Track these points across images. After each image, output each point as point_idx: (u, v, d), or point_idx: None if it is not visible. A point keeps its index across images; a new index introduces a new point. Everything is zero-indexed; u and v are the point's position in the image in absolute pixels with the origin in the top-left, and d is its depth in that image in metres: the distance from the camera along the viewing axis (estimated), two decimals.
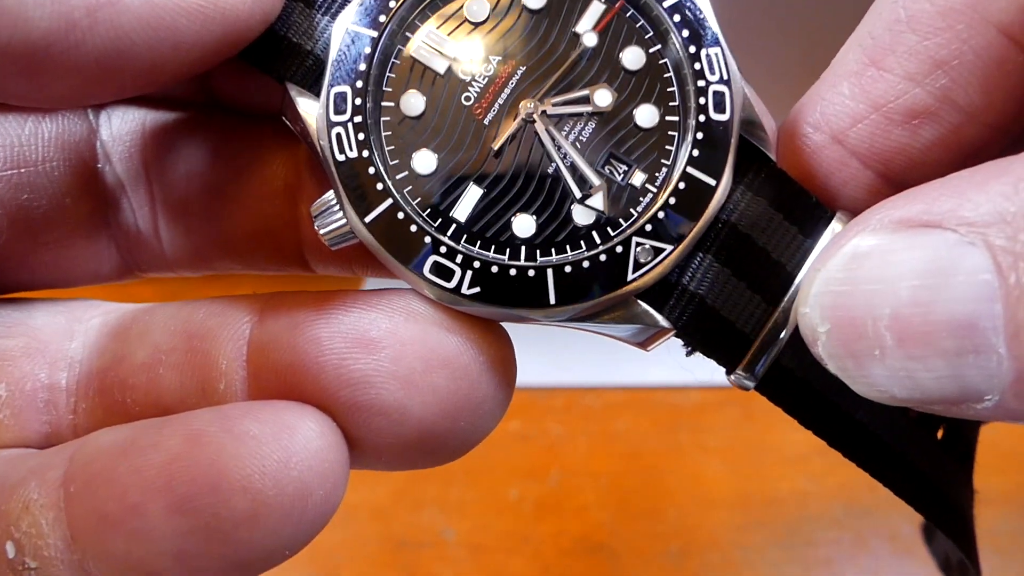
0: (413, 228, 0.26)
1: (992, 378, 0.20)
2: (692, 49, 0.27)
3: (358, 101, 0.26)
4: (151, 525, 0.23)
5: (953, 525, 0.29)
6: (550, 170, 0.27)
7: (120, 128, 0.30)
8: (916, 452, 0.28)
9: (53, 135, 0.29)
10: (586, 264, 0.26)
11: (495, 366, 0.26)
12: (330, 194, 0.26)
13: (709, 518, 0.61)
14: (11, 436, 0.28)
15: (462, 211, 0.26)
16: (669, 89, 0.27)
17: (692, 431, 0.64)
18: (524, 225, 0.26)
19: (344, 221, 0.26)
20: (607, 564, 0.60)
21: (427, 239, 0.26)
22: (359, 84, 0.26)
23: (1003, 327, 0.20)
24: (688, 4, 0.27)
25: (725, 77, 0.27)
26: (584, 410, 0.65)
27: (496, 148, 0.27)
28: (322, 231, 0.26)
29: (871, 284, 0.22)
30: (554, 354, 0.63)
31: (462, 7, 0.27)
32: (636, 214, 0.27)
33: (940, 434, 0.30)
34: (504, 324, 0.27)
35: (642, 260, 0.26)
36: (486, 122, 0.27)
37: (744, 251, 0.27)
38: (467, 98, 0.27)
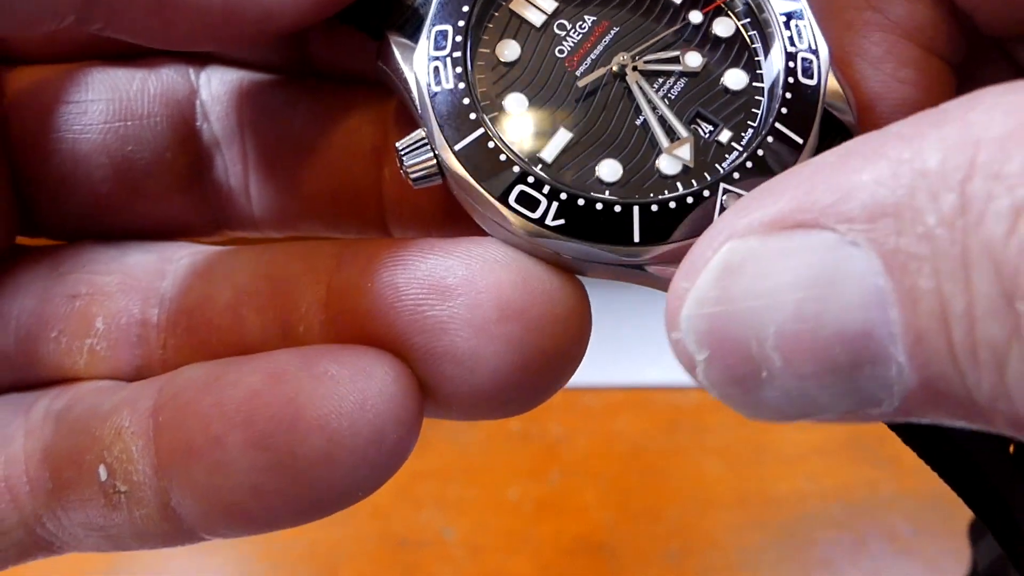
0: (502, 157, 0.26)
1: (892, 387, 0.19)
2: (782, 19, 0.28)
3: (458, 39, 0.27)
4: (231, 458, 0.24)
5: (1013, 540, 0.29)
6: (638, 121, 0.27)
7: (219, 88, 0.31)
8: (988, 462, 0.27)
9: (158, 92, 0.30)
10: (672, 204, 0.26)
11: (570, 319, 0.26)
12: (419, 131, 0.27)
13: (709, 518, 0.61)
14: (106, 367, 0.29)
15: (550, 152, 0.27)
16: (757, 58, 0.28)
17: (692, 431, 0.64)
18: (610, 169, 0.27)
19: (431, 156, 0.26)
20: (607, 564, 0.60)
21: (515, 168, 0.26)
22: (460, 24, 0.27)
23: (901, 334, 0.18)
24: None
25: (813, 47, 0.27)
26: (584, 410, 0.65)
27: (585, 96, 0.27)
28: (409, 166, 0.26)
29: (749, 300, 0.19)
30: None
31: None
32: (722, 170, 0.27)
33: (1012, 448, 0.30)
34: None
35: (729, 207, 0.26)
36: (578, 73, 0.28)
37: None
38: (560, 51, 0.28)
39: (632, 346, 0.65)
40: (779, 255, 0.19)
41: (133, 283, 0.29)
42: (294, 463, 0.24)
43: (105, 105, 0.30)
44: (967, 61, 0.30)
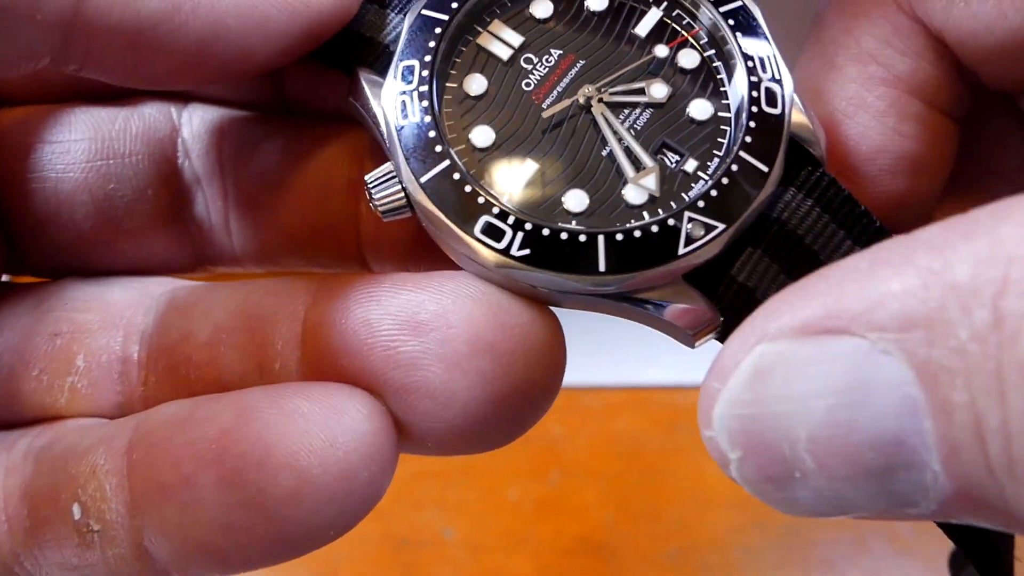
0: (467, 189, 0.26)
1: (927, 491, 0.19)
2: (745, 50, 0.28)
3: (424, 73, 0.27)
4: (202, 496, 0.24)
5: (990, 565, 0.29)
6: (604, 152, 0.28)
7: (200, 127, 0.31)
8: None
9: (140, 130, 0.31)
10: (637, 234, 0.26)
11: (544, 352, 0.26)
12: (387, 164, 0.27)
13: (709, 518, 0.61)
14: (88, 405, 0.29)
15: (516, 183, 0.27)
16: (722, 88, 0.28)
17: (692, 431, 0.64)
18: (577, 199, 0.27)
19: (399, 189, 0.27)
20: (607, 564, 0.60)
21: (480, 200, 0.26)
22: (427, 59, 0.27)
23: (935, 444, 0.18)
24: (742, 10, 0.29)
25: (777, 77, 0.28)
26: (584, 410, 0.65)
27: (552, 128, 0.28)
28: (378, 199, 0.27)
29: (781, 404, 0.20)
30: None
31: (527, 5, 0.29)
32: (688, 199, 0.27)
33: None
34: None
35: (694, 235, 0.26)
36: (544, 106, 0.28)
37: (794, 250, 0.27)
38: (527, 84, 0.28)
39: (632, 346, 0.65)
40: (810, 360, 0.19)
41: (115, 320, 0.29)
42: (264, 502, 0.24)
43: (88, 144, 0.30)
44: (973, 113, 0.30)
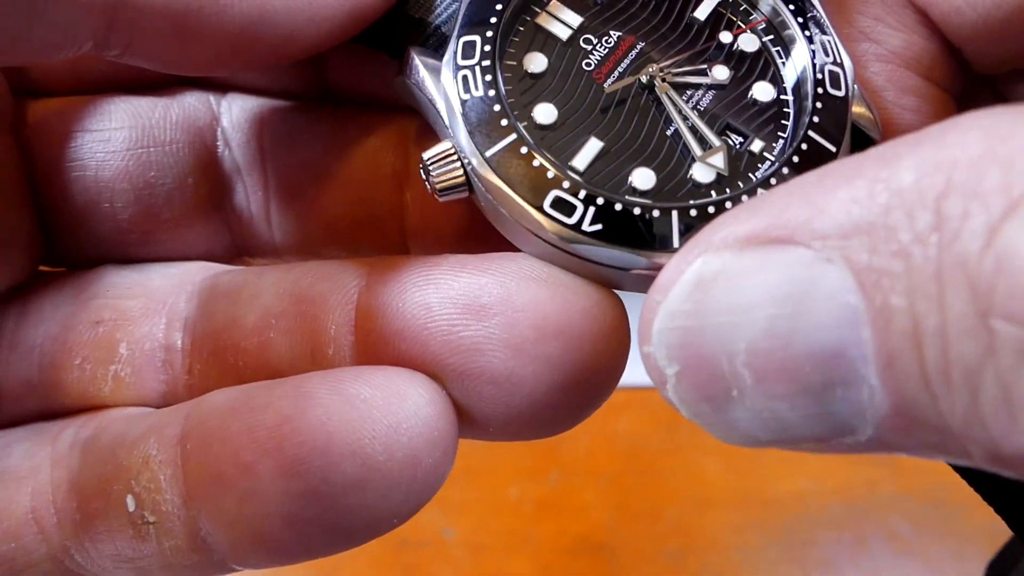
0: (535, 163, 0.26)
1: (864, 411, 0.18)
2: (807, 34, 0.28)
3: (487, 48, 0.27)
4: (262, 486, 0.23)
5: None
6: (669, 131, 0.27)
7: (240, 116, 0.31)
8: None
9: (180, 119, 0.30)
10: (711, 210, 0.25)
11: (610, 336, 0.25)
12: (445, 143, 0.26)
13: (709, 518, 0.61)
14: (131, 394, 0.29)
15: (581, 160, 0.27)
16: (781, 72, 0.29)
17: (692, 431, 0.64)
18: (644, 177, 0.27)
19: (459, 167, 0.26)
20: (607, 564, 0.60)
21: (550, 173, 0.25)
22: (489, 34, 0.27)
23: (873, 355, 0.18)
24: None
25: (838, 60, 0.28)
26: None
27: (614, 107, 0.27)
28: (435, 178, 0.26)
29: (722, 316, 0.19)
30: None
31: None
32: (756, 178, 0.27)
33: None
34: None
35: None
36: (605, 86, 0.28)
37: None
38: (587, 64, 0.28)
39: (632, 346, 0.65)
40: (752, 271, 0.19)
41: (157, 307, 0.29)
42: (327, 490, 0.23)
43: (128, 132, 0.30)
44: (963, 95, 0.30)
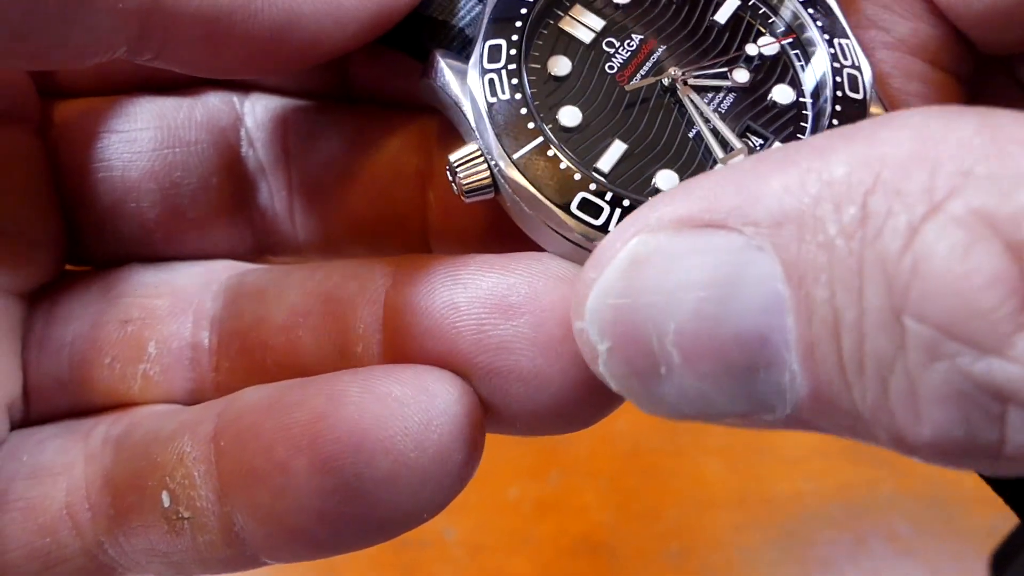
0: (562, 165, 0.26)
1: (784, 393, 0.19)
2: (826, 37, 0.28)
3: (512, 52, 0.27)
4: (296, 482, 0.24)
5: None
6: (691, 134, 0.28)
7: (263, 116, 0.31)
8: None
9: (204, 119, 0.31)
10: None
11: None
12: (472, 145, 0.27)
13: (709, 518, 0.61)
14: (160, 392, 0.29)
15: (606, 162, 0.27)
16: (800, 75, 0.29)
17: (692, 431, 0.64)
18: (667, 179, 0.27)
19: (485, 169, 0.26)
20: (607, 564, 0.60)
21: (576, 176, 0.26)
22: (514, 38, 0.27)
23: (795, 342, 0.18)
24: (820, 1, 0.29)
25: (857, 64, 0.28)
26: None
27: (637, 109, 0.28)
28: (462, 179, 0.27)
29: (653, 295, 0.20)
30: None
31: None
32: None
33: None
34: None
35: None
36: (627, 88, 0.28)
37: None
38: (610, 67, 0.28)
39: None
40: (685, 253, 0.19)
41: (183, 306, 0.29)
42: (359, 486, 0.24)
43: (153, 132, 0.30)
44: (973, 76, 0.31)
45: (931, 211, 0.17)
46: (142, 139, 0.30)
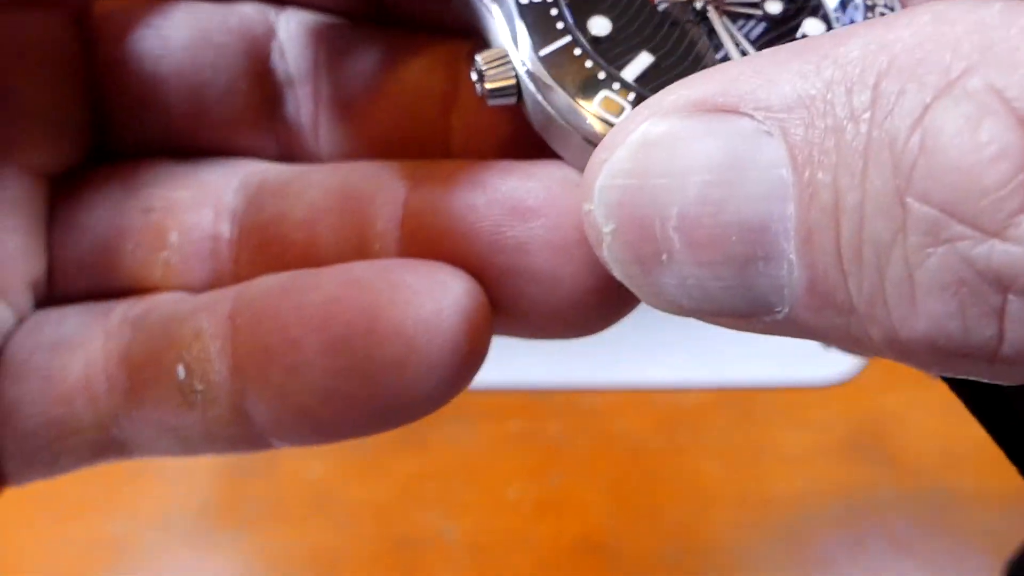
0: (588, 64, 0.26)
1: (782, 288, 0.18)
2: None
3: None
4: (307, 360, 0.24)
5: None
6: (718, 56, 0.28)
7: (296, 30, 0.32)
8: None
9: (237, 26, 0.31)
10: None
11: None
12: (499, 48, 0.27)
13: (709, 518, 0.61)
14: (180, 280, 0.30)
15: (631, 72, 0.27)
16: (835, 13, 0.29)
17: (692, 431, 0.65)
18: None
19: (511, 71, 0.27)
20: (607, 564, 0.60)
21: (601, 75, 0.26)
22: None
23: (794, 229, 0.18)
24: None
25: (891, 4, 0.28)
26: (584, 410, 0.65)
27: (667, 28, 0.28)
28: (488, 80, 0.27)
29: (659, 178, 0.19)
30: (554, 354, 0.63)
31: None
32: None
33: None
34: None
35: None
36: (659, 8, 0.28)
37: None
38: None
39: (632, 346, 0.65)
40: (695, 136, 0.19)
41: (205, 198, 0.30)
42: (369, 368, 0.24)
43: (187, 32, 0.31)
44: None
45: (946, 88, 0.16)
46: (176, 37, 0.30)
